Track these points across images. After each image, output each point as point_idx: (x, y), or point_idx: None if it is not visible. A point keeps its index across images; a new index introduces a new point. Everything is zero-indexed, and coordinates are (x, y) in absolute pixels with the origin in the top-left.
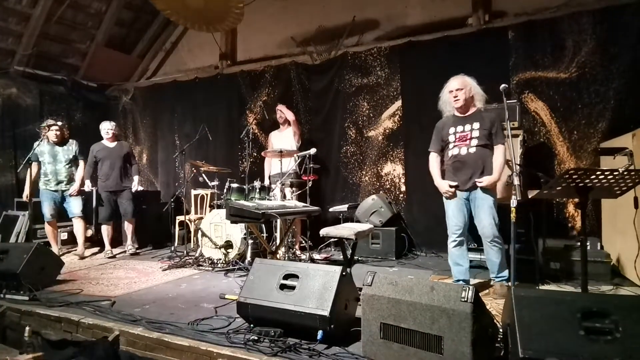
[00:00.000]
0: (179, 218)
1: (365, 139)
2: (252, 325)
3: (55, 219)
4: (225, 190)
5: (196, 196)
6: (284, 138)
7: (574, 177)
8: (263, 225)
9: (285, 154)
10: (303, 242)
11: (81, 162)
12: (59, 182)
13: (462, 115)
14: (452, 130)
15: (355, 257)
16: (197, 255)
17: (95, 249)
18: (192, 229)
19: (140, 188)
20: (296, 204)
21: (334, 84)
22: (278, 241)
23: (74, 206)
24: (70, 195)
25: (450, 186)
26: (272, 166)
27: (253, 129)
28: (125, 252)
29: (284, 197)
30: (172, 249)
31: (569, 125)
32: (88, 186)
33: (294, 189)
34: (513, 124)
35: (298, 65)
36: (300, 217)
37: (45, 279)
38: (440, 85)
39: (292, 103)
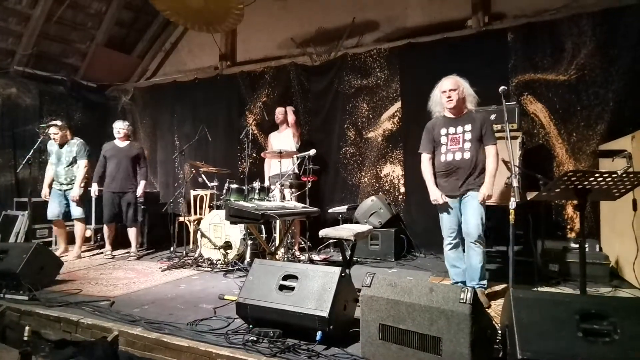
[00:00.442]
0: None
1: (365, 140)
2: (251, 326)
3: (60, 219)
4: (224, 191)
5: (195, 197)
6: (283, 139)
7: (573, 179)
8: (262, 226)
9: (284, 155)
10: (302, 243)
11: (81, 163)
12: (61, 184)
13: (454, 116)
14: (443, 131)
15: (354, 258)
16: (196, 255)
17: (94, 251)
18: (191, 229)
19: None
20: (295, 204)
21: (333, 85)
22: (277, 242)
23: (75, 208)
24: (73, 201)
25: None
26: (271, 167)
27: (252, 130)
28: (127, 254)
29: (283, 198)
30: (171, 249)
31: (568, 127)
32: (94, 192)
33: (293, 189)
34: (512, 126)
35: (298, 66)
36: (299, 218)
37: (45, 279)
38: None
39: (292, 104)
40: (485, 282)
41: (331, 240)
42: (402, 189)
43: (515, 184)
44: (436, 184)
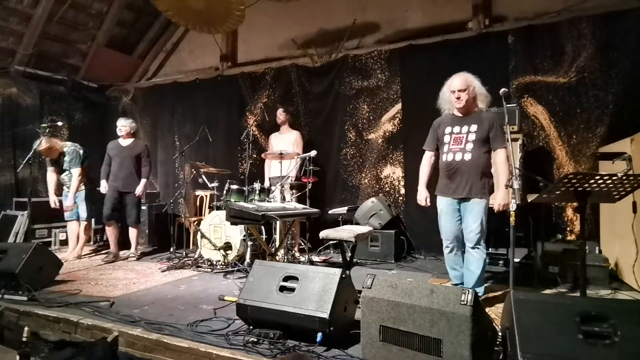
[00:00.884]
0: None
1: (365, 141)
2: (251, 327)
3: (74, 219)
4: (225, 192)
5: (195, 197)
6: (284, 140)
7: (573, 181)
8: (262, 227)
9: (285, 156)
10: (302, 244)
11: (75, 172)
12: (68, 188)
13: (461, 115)
14: (448, 129)
15: (355, 260)
16: (196, 256)
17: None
18: (191, 230)
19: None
20: (296, 205)
21: (334, 86)
22: (277, 243)
23: (80, 210)
24: (66, 211)
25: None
26: (271, 168)
27: (253, 131)
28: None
29: (283, 199)
30: (171, 250)
31: (568, 129)
32: (104, 187)
33: (293, 191)
34: (513, 128)
35: (298, 67)
36: (299, 219)
37: (44, 279)
38: (440, 88)
39: (292, 105)
40: (481, 289)
41: (331, 242)
42: (402, 191)
43: (515, 186)
44: (437, 184)
